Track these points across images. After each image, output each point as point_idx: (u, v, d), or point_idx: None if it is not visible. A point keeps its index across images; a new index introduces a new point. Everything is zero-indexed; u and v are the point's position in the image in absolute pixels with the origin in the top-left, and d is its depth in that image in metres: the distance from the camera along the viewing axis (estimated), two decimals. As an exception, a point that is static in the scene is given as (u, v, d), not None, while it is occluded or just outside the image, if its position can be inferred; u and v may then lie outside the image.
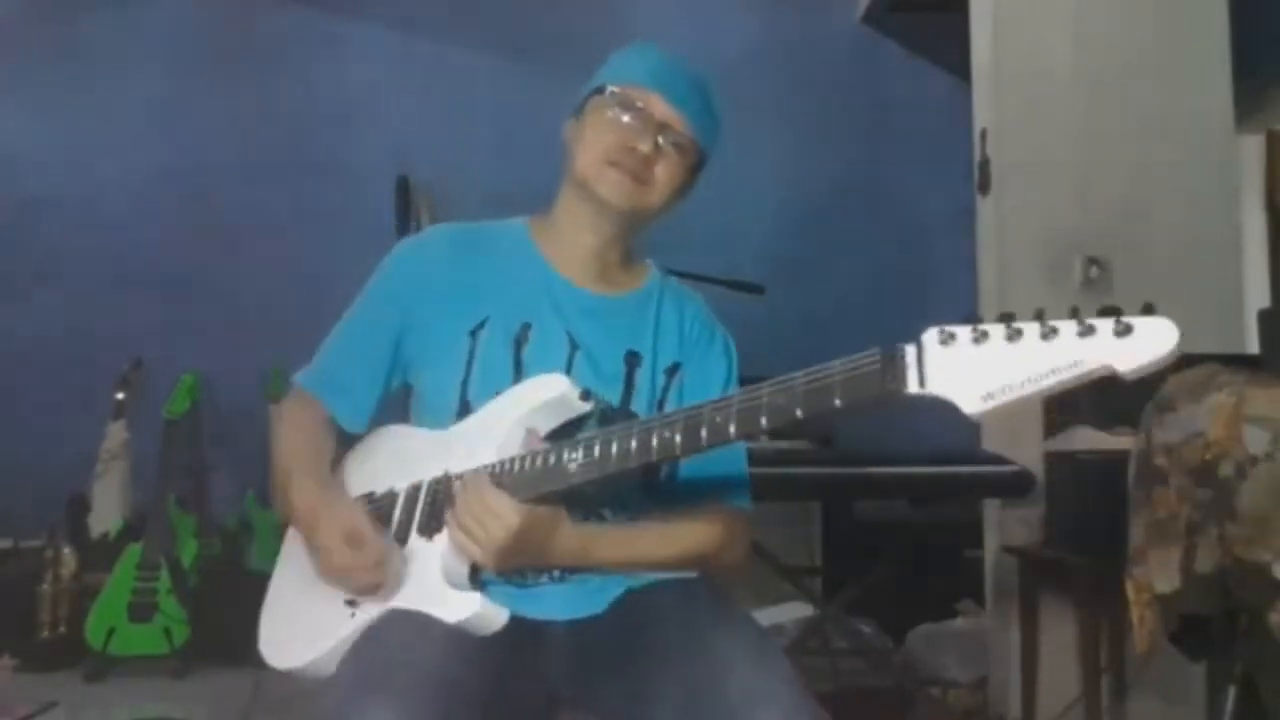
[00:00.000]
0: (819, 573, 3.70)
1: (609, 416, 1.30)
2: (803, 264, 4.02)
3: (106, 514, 3.60)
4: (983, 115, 3.09)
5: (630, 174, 1.35)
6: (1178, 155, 2.99)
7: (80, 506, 3.62)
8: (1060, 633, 2.73)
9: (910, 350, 0.96)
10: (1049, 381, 0.89)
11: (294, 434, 1.38)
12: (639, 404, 1.34)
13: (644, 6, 4.30)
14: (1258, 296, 3.72)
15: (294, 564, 1.36)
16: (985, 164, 3.04)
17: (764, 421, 1.04)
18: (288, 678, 1.29)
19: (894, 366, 0.96)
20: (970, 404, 0.91)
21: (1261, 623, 1.76)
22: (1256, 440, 1.75)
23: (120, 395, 3.72)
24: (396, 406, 1.43)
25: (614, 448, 1.13)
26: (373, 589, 1.22)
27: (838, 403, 1.00)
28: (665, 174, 1.37)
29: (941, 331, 0.94)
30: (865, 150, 4.26)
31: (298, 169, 4.07)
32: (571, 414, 1.27)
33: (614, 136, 1.36)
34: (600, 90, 1.40)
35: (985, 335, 0.92)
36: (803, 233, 4.15)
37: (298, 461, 1.35)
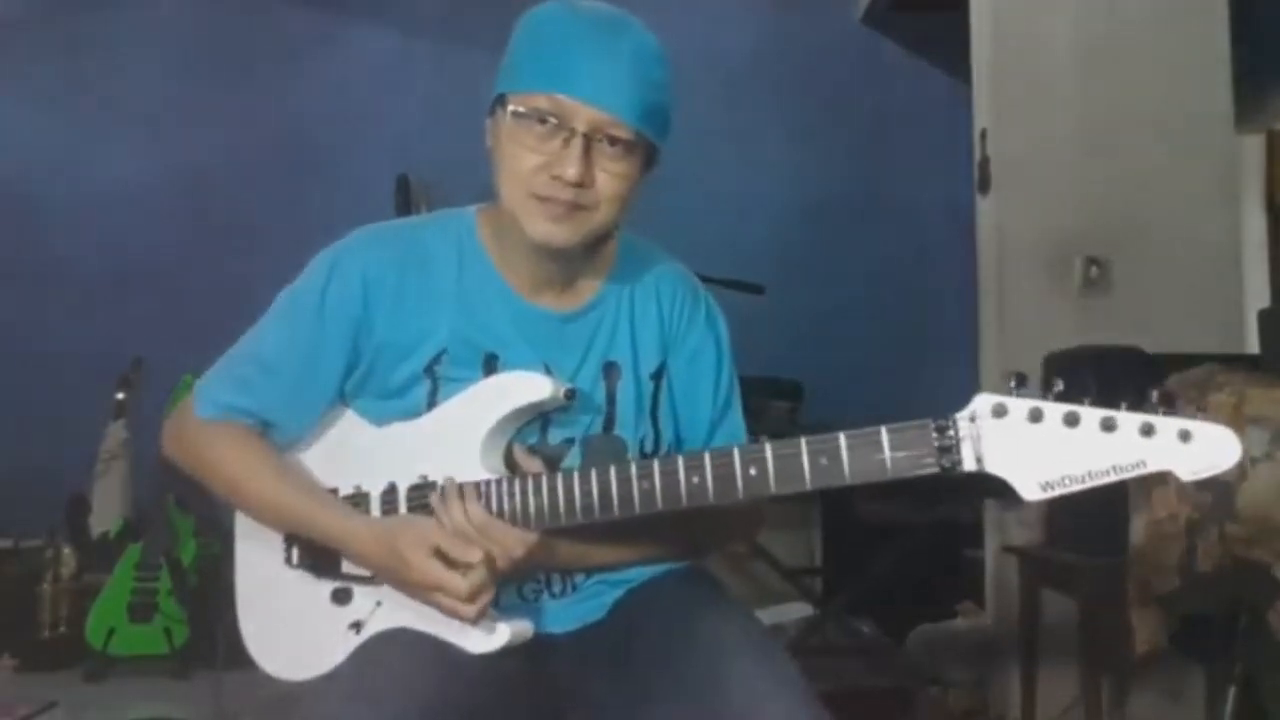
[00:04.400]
0: (819, 573, 3.70)
1: (592, 443, 1.22)
2: (803, 264, 4.01)
3: (106, 514, 3.60)
4: (983, 115, 3.09)
5: (562, 210, 1.12)
6: (1178, 155, 2.98)
7: (80, 506, 3.61)
8: (1060, 633, 2.73)
9: (964, 422, 0.94)
10: (1109, 479, 0.89)
11: (246, 455, 1.23)
12: (624, 419, 1.24)
13: (644, 7, 4.29)
14: (1258, 296, 3.72)
15: (263, 565, 1.29)
16: (985, 164, 3.04)
17: (809, 483, 1.01)
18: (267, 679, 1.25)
19: (948, 440, 0.94)
20: (1029, 491, 0.90)
21: (1261, 623, 1.76)
22: (1256, 440, 1.75)
23: (120, 395, 3.71)
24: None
25: (635, 490, 1.07)
26: (479, 603, 1.09)
27: (888, 474, 0.98)
28: (610, 188, 1.13)
29: (995, 404, 0.92)
30: (865, 150, 4.26)
31: (298, 169, 4.07)
32: (550, 408, 1.20)
33: (530, 161, 1.12)
34: (501, 100, 1.15)
35: (1040, 415, 0.90)
36: (803, 233, 4.14)
37: (287, 484, 1.22)
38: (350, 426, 1.26)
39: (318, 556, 1.24)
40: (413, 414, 1.21)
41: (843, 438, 0.99)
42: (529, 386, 1.17)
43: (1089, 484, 0.89)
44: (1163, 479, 1.91)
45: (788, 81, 4.27)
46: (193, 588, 3.29)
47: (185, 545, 3.37)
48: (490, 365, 1.21)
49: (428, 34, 4.18)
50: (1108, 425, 0.88)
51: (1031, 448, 0.90)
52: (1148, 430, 0.87)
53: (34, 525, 3.54)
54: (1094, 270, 2.92)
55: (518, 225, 1.16)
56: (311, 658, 1.20)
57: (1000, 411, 0.92)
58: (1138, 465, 0.88)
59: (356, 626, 1.20)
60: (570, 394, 1.18)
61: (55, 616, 3.38)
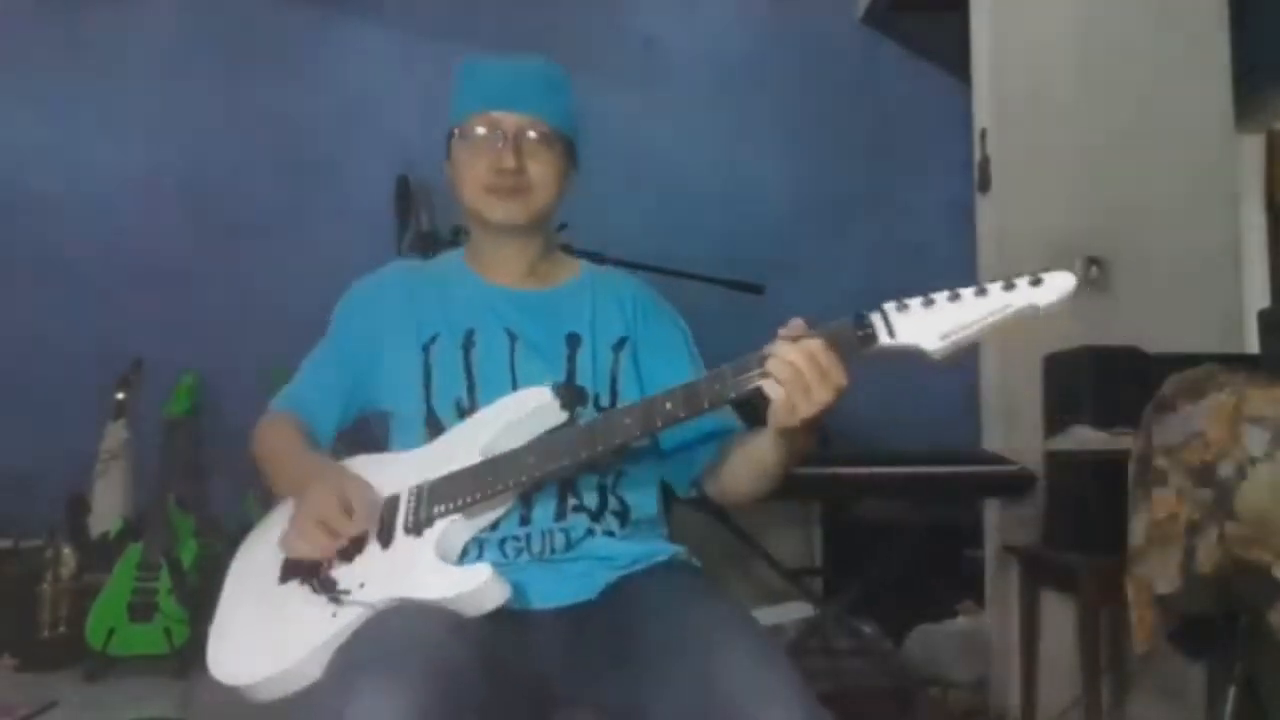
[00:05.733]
0: (819, 573, 3.70)
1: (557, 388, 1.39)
2: (803, 264, 4.01)
3: (106, 514, 3.60)
4: (983, 115, 3.09)
5: (509, 193, 1.44)
6: (1178, 155, 2.99)
7: (80, 506, 3.61)
8: (1060, 633, 2.73)
9: (875, 314, 1.18)
10: (989, 320, 1.14)
11: (279, 434, 1.47)
12: (583, 377, 1.42)
13: (644, 7, 4.30)
14: (1258, 297, 3.73)
15: (253, 579, 1.35)
16: (985, 164, 3.05)
17: (760, 380, 1.18)
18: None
19: (865, 325, 1.17)
20: (931, 343, 1.14)
21: (1261, 623, 1.76)
22: (1256, 440, 1.75)
23: (120, 395, 3.72)
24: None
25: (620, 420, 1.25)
26: (333, 540, 1.26)
27: None
28: (541, 172, 1.45)
29: (898, 302, 1.17)
30: (865, 150, 4.26)
31: (298, 169, 4.06)
32: (550, 424, 1.32)
33: (480, 165, 1.44)
34: (452, 135, 1.49)
35: (932, 301, 1.16)
36: (803, 233, 4.14)
37: (288, 449, 1.44)
38: (362, 466, 1.41)
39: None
40: (410, 389, 1.41)
41: (784, 343, 1.18)
42: (528, 397, 1.34)
43: (974, 329, 1.14)
44: (1162, 478, 1.91)
45: (788, 81, 4.26)
46: (193, 588, 3.29)
47: (185, 545, 3.37)
48: (469, 339, 1.44)
49: (428, 34, 4.18)
50: (981, 291, 1.14)
51: (928, 319, 1.15)
52: (1009, 286, 1.13)
53: (34, 525, 3.54)
54: (1094, 270, 2.92)
55: (481, 219, 1.47)
56: (285, 646, 1.22)
57: (902, 306, 1.17)
58: (1006, 306, 1.13)
59: (337, 601, 1.22)
60: (566, 403, 1.34)
61: (55, 616, 3.38)
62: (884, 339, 1.16)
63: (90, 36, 4.10)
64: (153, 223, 4.00)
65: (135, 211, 4.00)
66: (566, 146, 1.48)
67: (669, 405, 1.21)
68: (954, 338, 1.14)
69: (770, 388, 1.16)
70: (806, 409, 1.15)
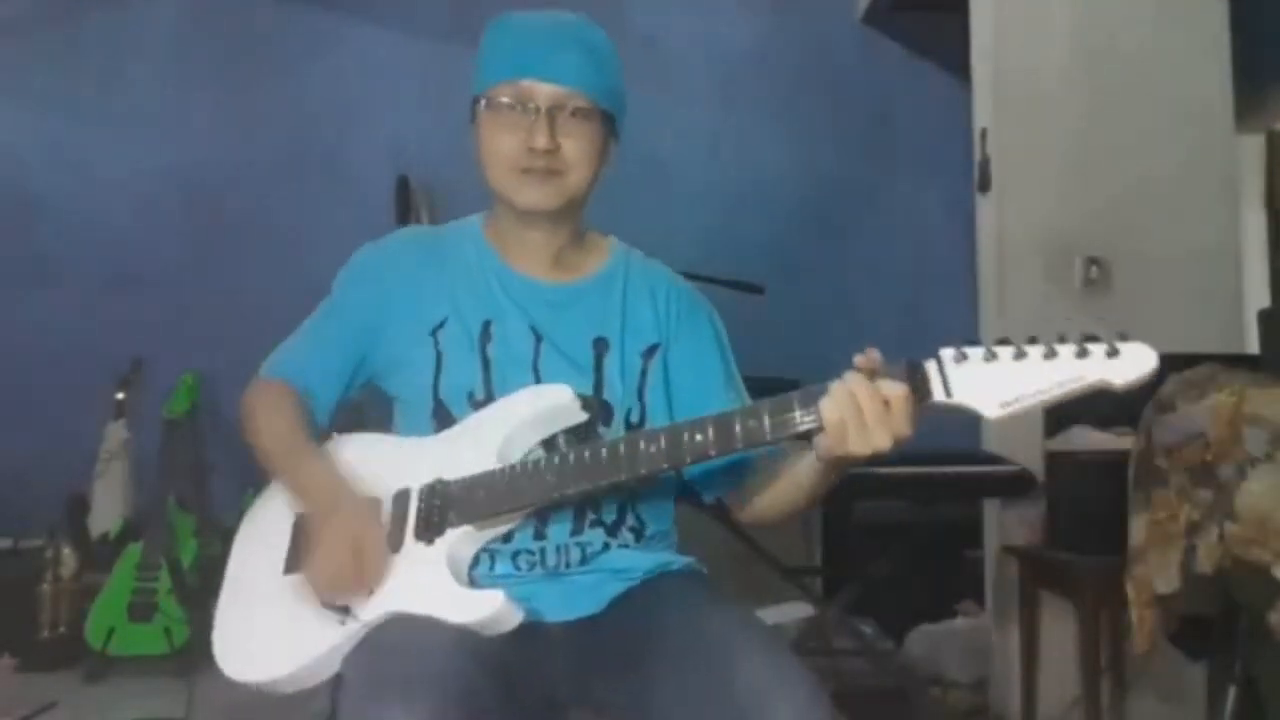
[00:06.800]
0: (819, 573, 3.70)
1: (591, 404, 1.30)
2: (803, 264, 4.01)
3: (106, 514, 3.60)
4: (983, 115, 3.09)
5: (541, 175, 1.29)
6: (1177, 155, 2.99)
7: (80, 506, 3.61)
8: (1060, 633, 2.73)
9: (931, 364, 1.06)
10: (1056, 393, 1.01)
11: (276, 416, 1.34)
12: (611, 391, 1.31)
13: (644, 6, 4.30)
14: (1258, 296, 3.73)
15: (256, 571, 1.31)
16: (985, 164, 3.04)
17: (800, 427, 1.10)
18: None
19: (920, 378, 1.06)
20: (990, 410, 1.03)
21: (1261, 623, 1.76)
22: (1256, 440, 1.75)
23: (120, 395, 3.72)
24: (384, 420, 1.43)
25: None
26: (350, 600, 1.18)
27: None
28: (577, 151, 1.29)
29: (956, 351, 1.05)
30: (865, 149, 4.26)
31: (298, 169, 4.07)
32: (569, 424, 1.26)
33: (509, 142, 1.29)
34: (476, 103, 1.33)
35: (994, 355, 1.04)
36: (803, 233, 4.14)
37: (291, 441, 1.31)
38: (368, 447, 1.35)
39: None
40: (419, 375, 1.31)
41: (857, 375, 1.09)
42: (548, 394, 1.26)
43: (1039, 399, 1.02)
44: (1162, 478, 1.91)
45: (788, 80, 4.27)
46: (193, 588, 3.28)
47: (185, 545, 3.37)
48: (486, 330, 1.32)
49: (428, 34, 4.18)
50: (1050, 354, 1.02)
51: (989, 379, 1.04)
52: (1083, 353, 1.02)
53: (34, 525, 3.54)
54: (1094, 270, 2.92)
55: (507, 201, 1.32)
56: (290, 650, 1.20)
57: (960, 357, 1.05)
58: (1078, 379, 1.01)
59: (344, 614, 1.19)
60: (587, 404, 1.26)
61: (55, 616, 3.38)
62: (938, 396, 1.05)
63: (90, 36, 4.10)
64: (153, 222, 4.00)
65: (135, 211, 4.01)
66: (607, 121, 1.32)
67: (699, 438, 1.12)
68: (1014, 407, 1.02)
69: (826, 408, 1.06)
70: (858, 446, 1.06)
